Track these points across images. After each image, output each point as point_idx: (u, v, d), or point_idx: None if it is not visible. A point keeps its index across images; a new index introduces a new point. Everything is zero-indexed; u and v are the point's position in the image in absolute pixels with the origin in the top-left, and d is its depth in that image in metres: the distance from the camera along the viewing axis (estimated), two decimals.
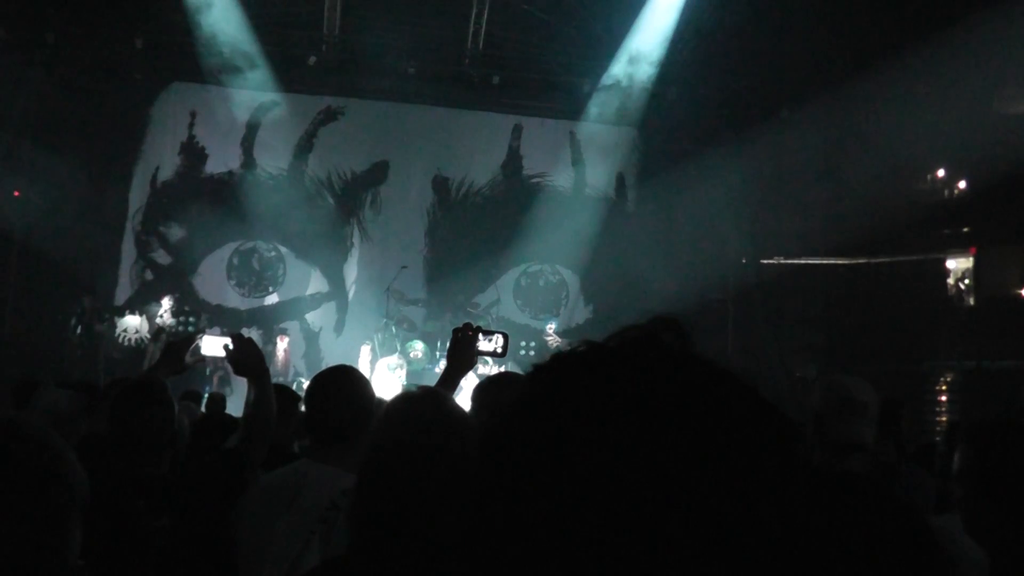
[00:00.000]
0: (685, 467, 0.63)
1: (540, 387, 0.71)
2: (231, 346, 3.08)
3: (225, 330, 10.49)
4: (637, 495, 0.62)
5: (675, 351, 0.72)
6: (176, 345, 3.44)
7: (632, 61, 13.74)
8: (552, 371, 0.72)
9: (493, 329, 3.21)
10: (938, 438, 11.57)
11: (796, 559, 0.65)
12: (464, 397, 3.73)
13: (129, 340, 13.26)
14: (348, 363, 3.33)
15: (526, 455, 0.67)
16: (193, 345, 3.35)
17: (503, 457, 0.69)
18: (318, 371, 3.18)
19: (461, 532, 0.71)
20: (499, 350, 3.11)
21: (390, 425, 1.82)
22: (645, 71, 13.79)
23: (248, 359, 3.07)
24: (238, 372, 3.11)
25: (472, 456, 1.69)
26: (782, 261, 14.37)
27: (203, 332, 11.55)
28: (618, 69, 13.90)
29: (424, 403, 1.85)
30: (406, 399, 1.88)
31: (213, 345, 3.26)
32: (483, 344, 3.08)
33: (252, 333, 12.57)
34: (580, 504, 0.63)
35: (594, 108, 14.40)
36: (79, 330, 13.09)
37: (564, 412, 0.67)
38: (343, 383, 2.83)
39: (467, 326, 3.08)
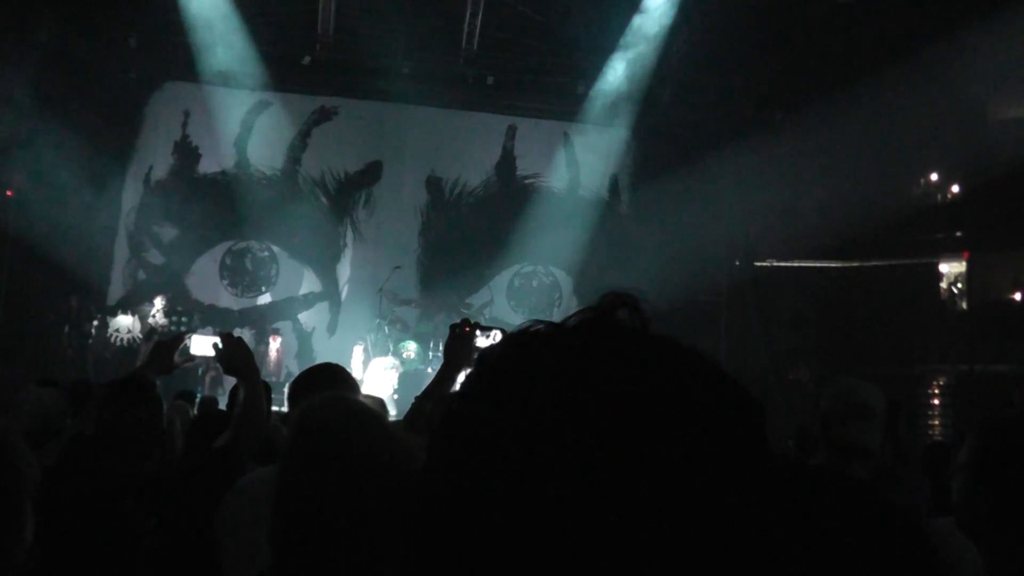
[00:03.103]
0: (644, 453, 0.60)
1: (490, 370, 0.68)
2: (220, 345, 3.05)
3: (217, 330, 10.46)
4: (591, 482, 0.60)
5: (632, 328, 0.69)
6: (165, 345, 3.41)
7: (626, 62, 13.74)
8: (502, 353, 0.69)
9: (491, 325, 3.17)
10: (939, 439, 11.60)
11: (769, 547, 0.63)
12: None
13: (121, 340, 13.21)
14: (341, 363, 3.30)
15: (474, 442, 0.64)
16: (182, 345, 3.32)
17: (453, 444, 0.66)
18: None
19: (403, 534, 0.68)
20: None
21: (299, 437, 1.77)
22: (639, 73, 13.79)
23: (237, 358, 3.05)
24: (228, 371, 3.09)
25: (385, 457, 1.66)
26: (775, 263, 14.38)
27: (192, 332, 11.52)
28: (612, 70, 13.91)
29: (327, 410, 1.80)
30: (310, 408, 1.83)
31: (202, 344, 3.24)
32: (481, 341, 3.04)
33: (245, 333, 12.54)
34: (530, 491, 0.60)
35: (588, 109, 14.40)
36: (67, 329, 13.04)
37: (514, 396, 0.64)
38: (328, 382, 2.79)
39: (464, 322, 3.04)
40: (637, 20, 13.26)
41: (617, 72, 13.81)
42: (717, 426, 0.63)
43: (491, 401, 0.65)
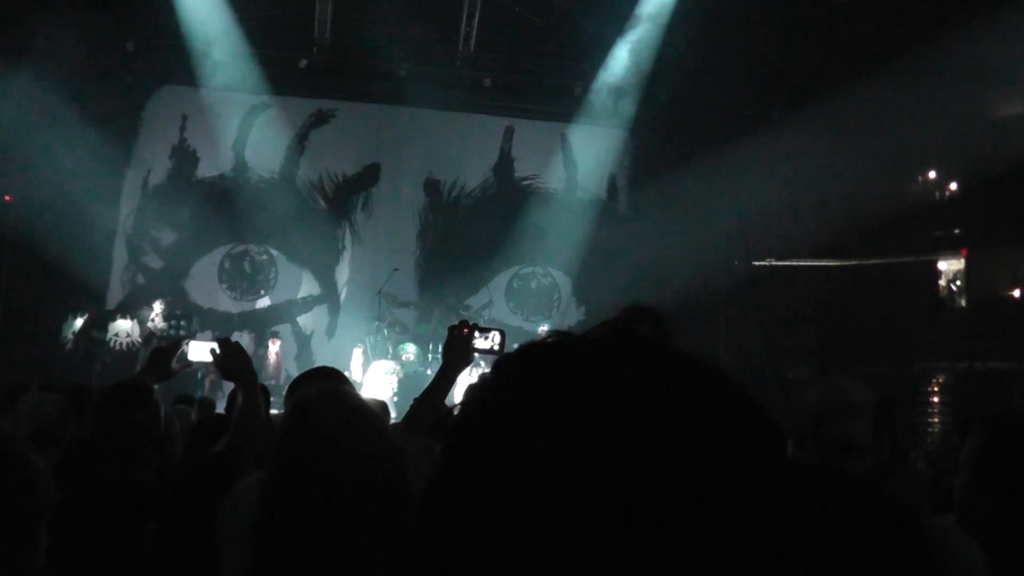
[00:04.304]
0: (662, 467, 0.60)
1: (505, 381, 0.67)
2: (218, 350, 3.05)
3: (216, 334, 10.45)
4: (607, 496, 0.59)
5: (653, 343, 0.68)
6: (162, 350, 3.39)
7: (623, 63, 13.75)
8: (519, 363, 0.68)
9: (489, 327, 3.16)
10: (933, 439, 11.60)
11: (782, 560, 0.62)
12: (458, 395, 3.70)
13: (120, 344, 13.19)
14: (340, 366, 3.29)
15: (488, 454, 0.63)
16: (180, 350, 3.31)
17: (469, 451, 0.65)
18: None
19: (413, 537, 0.68)
20: (496, 348, 3.05)
21: (289, 432, 1.73)
22: (636, 73, 13.80)
23: (235, 363, 3.04)
24: (226, 376, 3.08)
25: (375, 456, 1.63)
26: (774, 263, 14.39)
27: (191, 336, 11.52)
28: (609, 71, 13.91)
29: (319, 404, 1.76)
30: (302, 401, 1.79)
31: (200, 350, 3.23)
32: (479, 342, 3.02)
33: (244, 336, 12.55)
34: (546, 500, 0.60)
35: (586, 110, 14.40)
36: (78, 335, 13.02)
37: (530, 408, 0.63)
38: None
39: (463, 323, 3.03)
40: (638, 6, 13.27)
41: (620, 60, 13.80)
42: (736, 441, 0.63)
43: (510, 409, 0.65)
